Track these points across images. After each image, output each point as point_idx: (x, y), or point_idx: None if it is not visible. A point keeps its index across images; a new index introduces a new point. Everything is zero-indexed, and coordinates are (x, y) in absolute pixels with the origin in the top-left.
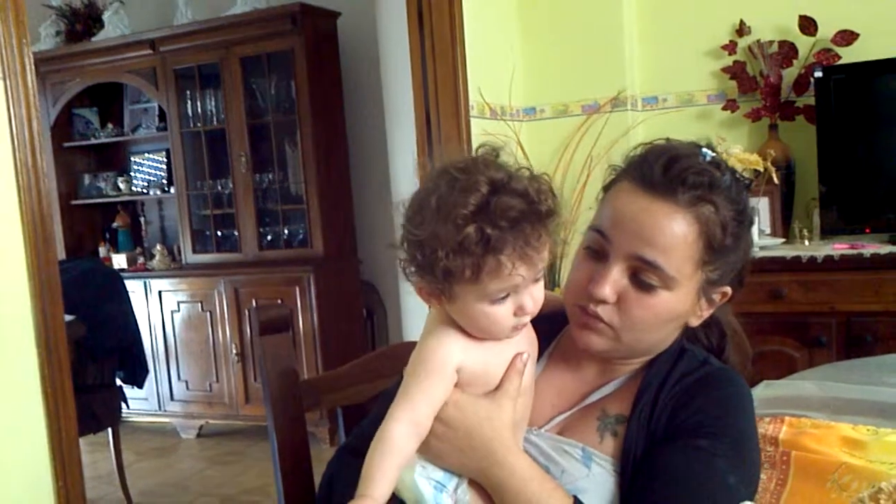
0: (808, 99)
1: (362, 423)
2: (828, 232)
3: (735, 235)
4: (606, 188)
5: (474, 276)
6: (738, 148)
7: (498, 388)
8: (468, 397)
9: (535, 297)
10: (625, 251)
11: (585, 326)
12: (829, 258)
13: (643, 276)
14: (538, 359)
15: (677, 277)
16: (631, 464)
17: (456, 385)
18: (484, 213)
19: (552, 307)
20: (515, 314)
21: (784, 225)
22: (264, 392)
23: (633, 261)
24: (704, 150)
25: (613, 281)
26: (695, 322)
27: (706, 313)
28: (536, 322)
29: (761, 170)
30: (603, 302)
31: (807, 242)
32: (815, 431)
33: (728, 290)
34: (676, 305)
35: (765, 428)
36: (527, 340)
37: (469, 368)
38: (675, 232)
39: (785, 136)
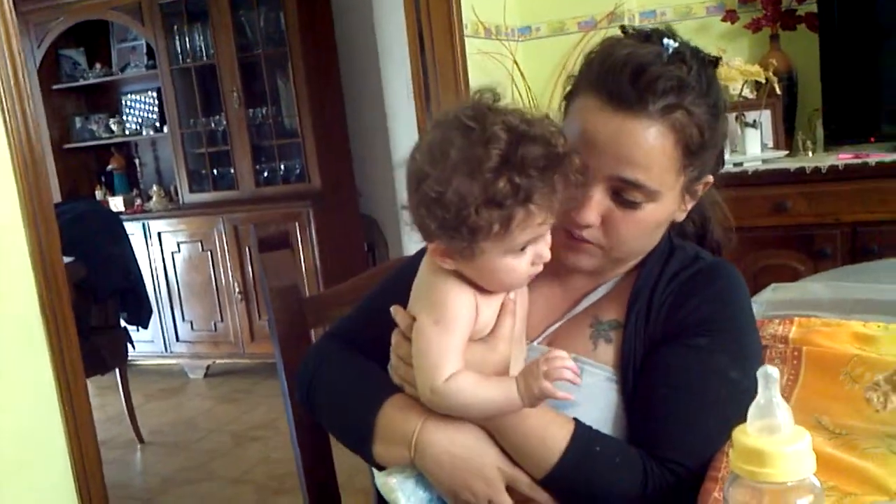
0: (811, 6)
1: (350, 313)
2: (831, 143)
3: (712, 129)
4: (568, 98)
5: (503, 229)
6: (738, 60)
7: (492, 330)
8: None
9: (548, 244)
10: (604, 173)
11: (573, 249)
12: (833, 168)
13: (626, 195)
14: None
15: (661, 190)
16: (632, 369)
17: None
18: (510, 163)
19: None
20: (533, 263)
21: (787, 137)
22: (267, 310)
23: (613, 182)
24: (665, 41)
25: (596, 204)
26: (681, 217)
27: (690, 205)
28: None
29: (763, 81)
30: (586, 227)
31: (810, 154)
32: (825, 329)
33: (710, 178)
34: (662, 213)
35: (774, 329)
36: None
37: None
38: (652, 146)
39: (787, 47)
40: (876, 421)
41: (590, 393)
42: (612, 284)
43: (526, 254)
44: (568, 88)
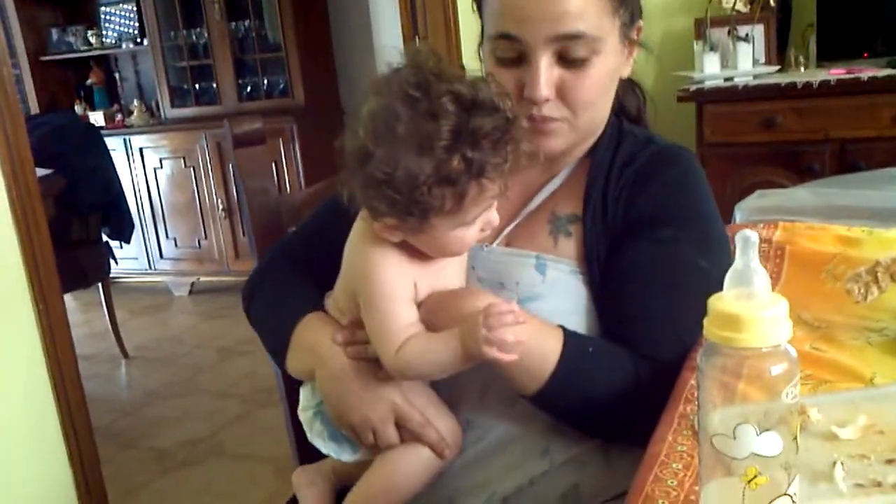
0: None
1: (305, 223)
2: (824, 58)
3: None
4: None
5: (456, 205)
6: None
7: None
8: None
9: (497, 209)
10: (542, 38)
11: (540, 133)
12: (824, 83)
13: (572, 52)
14: None
15: (601, 36)
16: (596, 261)
17: None
18: (463, 138)
19: None
20: (482, 229)
21: (779, 52)
22: (240, 207)
23: (554, 44)
24: None
25: (546, 75)
26: (626, 72)
27: (632, 58)
28: None
29: None
30: (545, 101)
31: (802, 69)
32: (809, 232)
33: (641, 23)
34: (610, 67)
35: (758, 232)
36: None
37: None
38: None
39: None
40: (855, 315)
41: (555, 286)
42: (566, 175)
43: (476, 224)
44: None
